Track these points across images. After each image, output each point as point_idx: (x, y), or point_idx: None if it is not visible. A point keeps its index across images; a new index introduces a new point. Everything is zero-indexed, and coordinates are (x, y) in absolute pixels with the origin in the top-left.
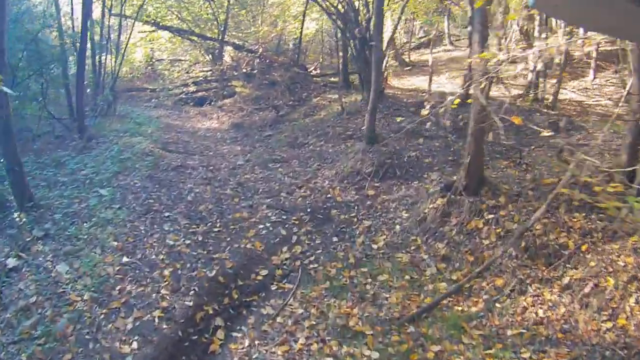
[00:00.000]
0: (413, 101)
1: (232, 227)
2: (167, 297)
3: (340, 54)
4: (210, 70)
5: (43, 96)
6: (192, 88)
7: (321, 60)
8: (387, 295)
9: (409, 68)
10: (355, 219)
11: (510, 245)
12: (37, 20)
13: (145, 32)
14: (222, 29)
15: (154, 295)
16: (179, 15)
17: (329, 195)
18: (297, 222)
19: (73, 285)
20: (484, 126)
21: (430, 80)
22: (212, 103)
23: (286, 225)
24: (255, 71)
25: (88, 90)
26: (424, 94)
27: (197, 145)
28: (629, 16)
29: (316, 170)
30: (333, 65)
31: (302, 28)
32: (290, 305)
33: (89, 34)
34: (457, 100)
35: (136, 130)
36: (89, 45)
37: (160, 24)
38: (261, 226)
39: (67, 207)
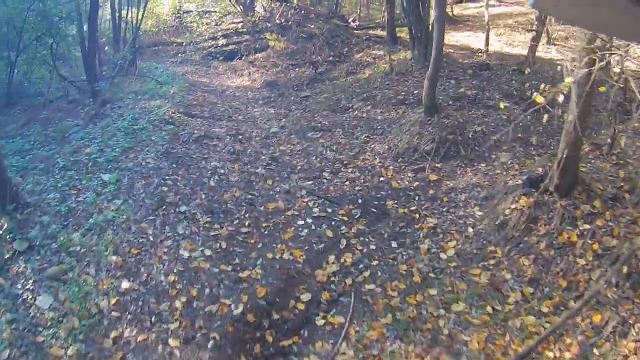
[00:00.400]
0: (469, 62)
1: (264, 225)
2: (177, 353)
3: (386, 4)
4: (242, 22)
5: (52, 58)
6: (222, 41)
7: (359, 12)
8: (466, 338)
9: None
10: (417, 215)
11: (613, 272)
12: None
13: None
14: None
15: (159, 348)
16: None
17: (381, 179)
18: (345, 217)
19: (56, 330)
20: (589, 110)
21: (488, 38)
22: (243, 58)
23: (332, 222)
24: (290, 23)
25: (106, 47)
26: (479, 54)
27: (225, 107)
28: (629, 16)
29: (364, 143)
30: (371, 19)
31: None
32: (343, 354)
33: None
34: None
35: (157, 91)
36: None
37: None
38: (300, 222)
39: (60, 204)
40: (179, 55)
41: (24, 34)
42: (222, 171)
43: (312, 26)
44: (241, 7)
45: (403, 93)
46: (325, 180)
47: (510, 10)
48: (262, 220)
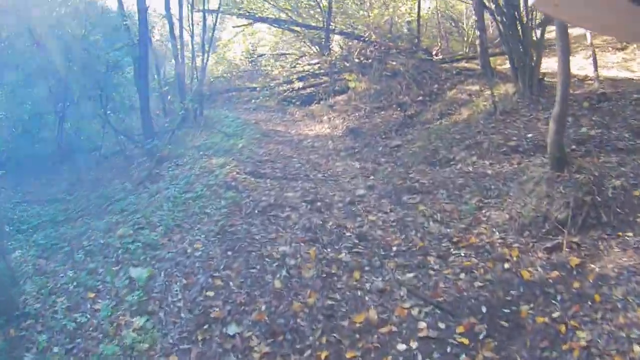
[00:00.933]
0: (581, 92)
1: (349, 356)
2: None
3: (478, 33)
4: (318, 63)
5: (104, 110)
6: (298, 84)
7: (439, 44)
8: None
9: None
10: (563, 326)
11: None
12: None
13: (240, 26)
14: (327, 15)
15: None
16: (276, 4)
17: (506, 265)
18: (466, 338)
19: None
20: None
21: (595, 61)
22: (322, 102)
23: (448, 347)
24: (370, 61)
25: (169, 97)
26: (588, 81)
27: (301, 162)
28: (630, 16)
29: (477, 209)
30: (452, 51)
31: (419, 6)
32: None
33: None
34: None
35: (223, 144)
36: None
37: (256, 15)
38: (402, 347)
39: (68, 314)
40: (252, 101)
41: (72, 86)
42: (293, 261)
43: (394, 62)
44: (317, 47)
45: (514, 138)
46: (432, 271)
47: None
48: (346, 346)
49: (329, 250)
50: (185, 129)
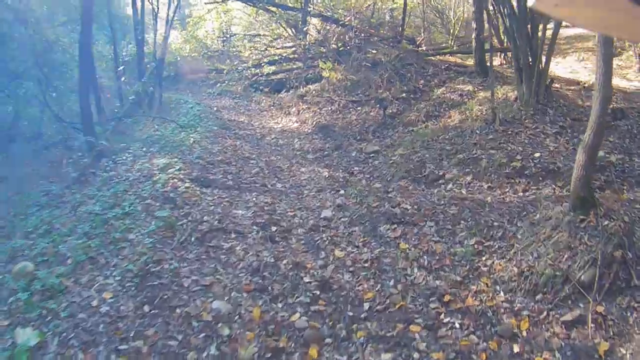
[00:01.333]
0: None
1: None
2: None
3: (474, 24)
4: (292, 47)
5: (43, 93)
6: (268, 69)
7: (421, 35)
8: None
9: None
10: None
11: None
12: None
13: (212, 2)
14: None
15: None
16: None
17: (515, 349)
18: None
19: None
20: None
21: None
22: (292, 90)
23: None
24: (349, 48)
25: (123, 78)
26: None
27: (259, 166)
28: (630, 16)
29: (475, 255)
30: (434, 42)
31: None
32: None
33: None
34: None
35: (173, 139)
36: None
37: None
38: None
39: None
40: (218, 85)
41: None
42: (227, 330)
43: (375, 51)
44: (292, 30)
45: (518, 156)
46: (416, 354)
47: (587, 31)
48: None
49: (279, 305)
50: (137, 116)
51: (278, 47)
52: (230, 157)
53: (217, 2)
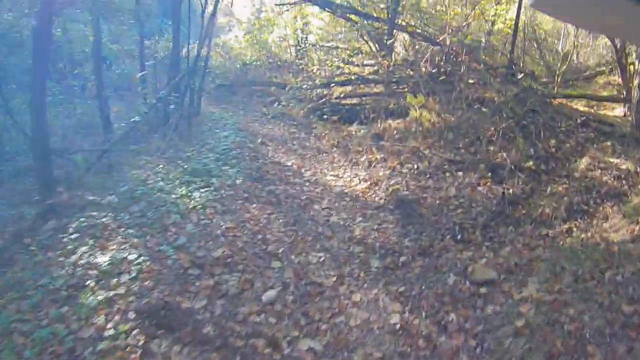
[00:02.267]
0: None
1: None
2: None
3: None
4: (374, 65)
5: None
6: (338, 91)
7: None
8: None
9: None
10: None
11: None
12: None
13: (284, 4)
14: (394, 3)
15: None
16: None
17: None
18: None
19: None
20: None
21: None
22: (367, 124)
23: None
24: (444, 74)
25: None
26: None
27: (283, 279)
28: (629, 16)
29: None
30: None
31: (518, 12)
32: None
33: None
34: None
35: (164, 199)
36: None
37: None
38: None
39: None
40: (276, 104)
41: None
42: None
43: (479, 83)
44: (375, 45)
45: None
46: None
47: None
48: None
49: None
50: (145, 143)
51: (355, 64)
52: (238, 252)
53: (290, 4)
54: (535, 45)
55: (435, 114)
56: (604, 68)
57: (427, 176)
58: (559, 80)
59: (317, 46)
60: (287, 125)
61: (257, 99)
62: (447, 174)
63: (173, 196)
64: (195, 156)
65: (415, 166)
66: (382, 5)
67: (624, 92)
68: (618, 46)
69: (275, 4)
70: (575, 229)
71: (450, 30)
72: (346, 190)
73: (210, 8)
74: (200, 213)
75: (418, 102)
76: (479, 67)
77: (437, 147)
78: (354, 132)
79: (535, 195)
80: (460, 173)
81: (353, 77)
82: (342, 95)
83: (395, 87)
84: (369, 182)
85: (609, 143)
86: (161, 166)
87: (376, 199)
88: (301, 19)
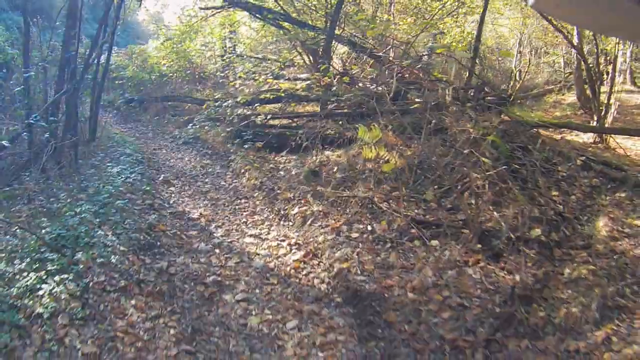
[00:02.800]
0: None
1: None
2: None
3: None
4: (308, 80)
5: None
6: (264, 109)
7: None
8: None
9: None
10: None
11: None
12: None
13: (209, 8)
14: (335, 9)
15: None
16: None
17: None
18: None
19: None
20: None
21: None
22: (299, 151)
23: None
24: (397, 95)
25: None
26: None
27: None
28: (630, 15)
29: None
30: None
31: (481, 22)
32: None
33: None
34: None
35: None
36: None
37: None
38: None
39: None
40: (190, 126)
41: None
42: None
43: (444, 109)
44: (309, 57)
45: None
46: None
47: None
48: None
49: None
50: (12, 184)
51: (286, 77)
52: None
53: (216, 9)
54: (487, 63)
55: (394, 151)
56: (553, 87)
57: (388, 246)
58: (511, 99)
59: (245, 57)
60: (200, 155)
61: (171, 117)
62: (417, 243)
63: (14, 290)
64: (67, 208)
65: (369, 228)
66: (320, 13)
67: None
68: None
69: (200, 8)
70: (615, 339)
71: (394, 42)
72: (272, 264)
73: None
74: (47, 327)
75: (373, 137)
76: (439, 87)
77: (397, 198)
78: (282, 165)
79: (551, 283)
80: (435, 242)
81: (282, 94)
82: (269, 117)
83: (333, 107)
84: (303, 251)
85: (623, 194)
86: (15, 229)
87: (316, 281)
88: (229, 26)
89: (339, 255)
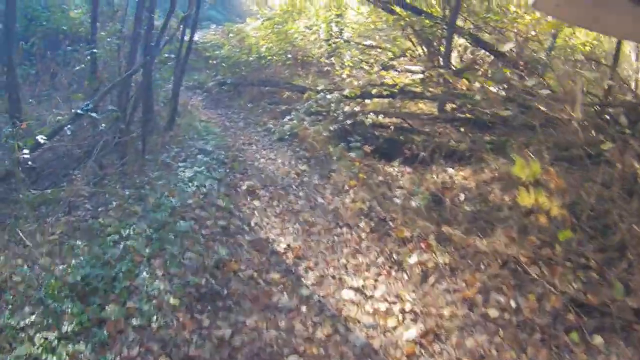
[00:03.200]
0: None
1: None
2: None
3: None
4: (423, 74)
5: None
6: (371, 105)
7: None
8: None
9: None
10: None
11: None
12: None
13: None
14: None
15: None
16: None
17: None
18: None
19: None
20: None
21: None
22: (414, 162)
23: None
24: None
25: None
26: None
27: None
28: (629, 16)
29: None
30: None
31: None
32: None
33: None
34: None
35: None
36: None
37: None
38: None
39: None
40: (287, 118)
41: None
42: None
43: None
44: (424, 48)
45: None
46: None
47: None
48: None
49: None
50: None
51: (397, 69)
52: None
53: None
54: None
55: (560, 198)
56: None
57: (538, 337)
58: None
59: (353, 43)
60: (296, 157)
61: (267, 106)
62: (575, 337)
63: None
64: (112, 228)
65: (512, 304)
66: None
67: None
68: None
69: None
70: None
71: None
72: (376, 343)
73: None
74: None
75: (532, 174)
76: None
77: (550, 260)
78: (395, 181)
79: None
80: (598, 340)
81: (397, 89)
82: (380, 116)
83: (457, 111)
84: (421, 327)
85: None
86: (43, 250)
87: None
88: (335, 8)
89: (471, 345)
